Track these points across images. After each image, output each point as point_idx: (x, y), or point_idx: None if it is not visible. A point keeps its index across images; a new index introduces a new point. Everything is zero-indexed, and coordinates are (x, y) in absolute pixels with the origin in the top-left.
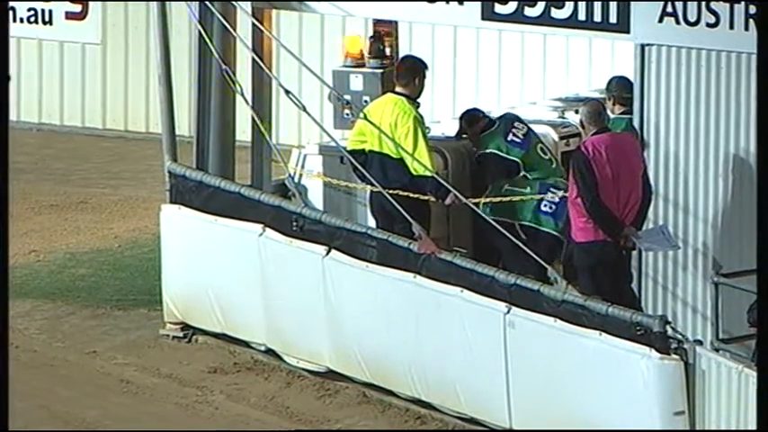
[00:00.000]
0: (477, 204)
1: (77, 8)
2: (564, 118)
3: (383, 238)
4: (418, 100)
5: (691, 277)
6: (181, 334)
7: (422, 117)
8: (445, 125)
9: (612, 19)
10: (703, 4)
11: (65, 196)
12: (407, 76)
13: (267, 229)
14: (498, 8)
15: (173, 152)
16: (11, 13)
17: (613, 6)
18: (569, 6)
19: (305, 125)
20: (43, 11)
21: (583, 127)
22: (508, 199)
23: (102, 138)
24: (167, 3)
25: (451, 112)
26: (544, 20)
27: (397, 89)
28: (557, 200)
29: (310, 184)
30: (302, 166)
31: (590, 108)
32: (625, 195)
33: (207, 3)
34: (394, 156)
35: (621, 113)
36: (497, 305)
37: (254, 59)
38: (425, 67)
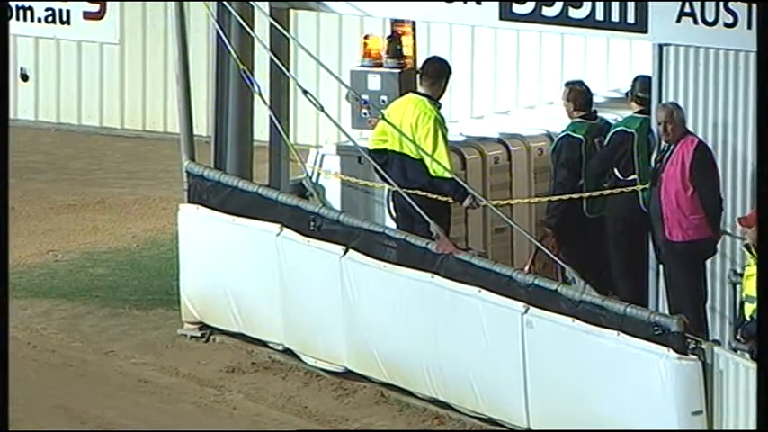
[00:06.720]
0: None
1: (95, 8)
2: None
3: (401, 238)
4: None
5: (709, 277)
6: (199, 333)
7: (443, 118)
8: (463, 125)
9: (630, 19)
10: (721, 3)
11: (83, 196)
12: (434, 77)
13: (285, 229)
14: (516, 8)
15: (191, 152)
16: (28, 12)
17: (631, 6)
18: (587, 6)
19: (323, 125)
20: (61, 10)
21: (666, 130)
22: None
23: (120, 137)
24: (185, 3)
25: (469, 112)
26: (562, 20)
27: (421, 89)
28: None
29: (328, 184)
30: (320, 166)
31: (674, 109)
32: None
33: (225, 3)
34: (414, 156)
35: (638, 113)
36: (515, 305)
37: (271, 59)
38: (451, 70)
